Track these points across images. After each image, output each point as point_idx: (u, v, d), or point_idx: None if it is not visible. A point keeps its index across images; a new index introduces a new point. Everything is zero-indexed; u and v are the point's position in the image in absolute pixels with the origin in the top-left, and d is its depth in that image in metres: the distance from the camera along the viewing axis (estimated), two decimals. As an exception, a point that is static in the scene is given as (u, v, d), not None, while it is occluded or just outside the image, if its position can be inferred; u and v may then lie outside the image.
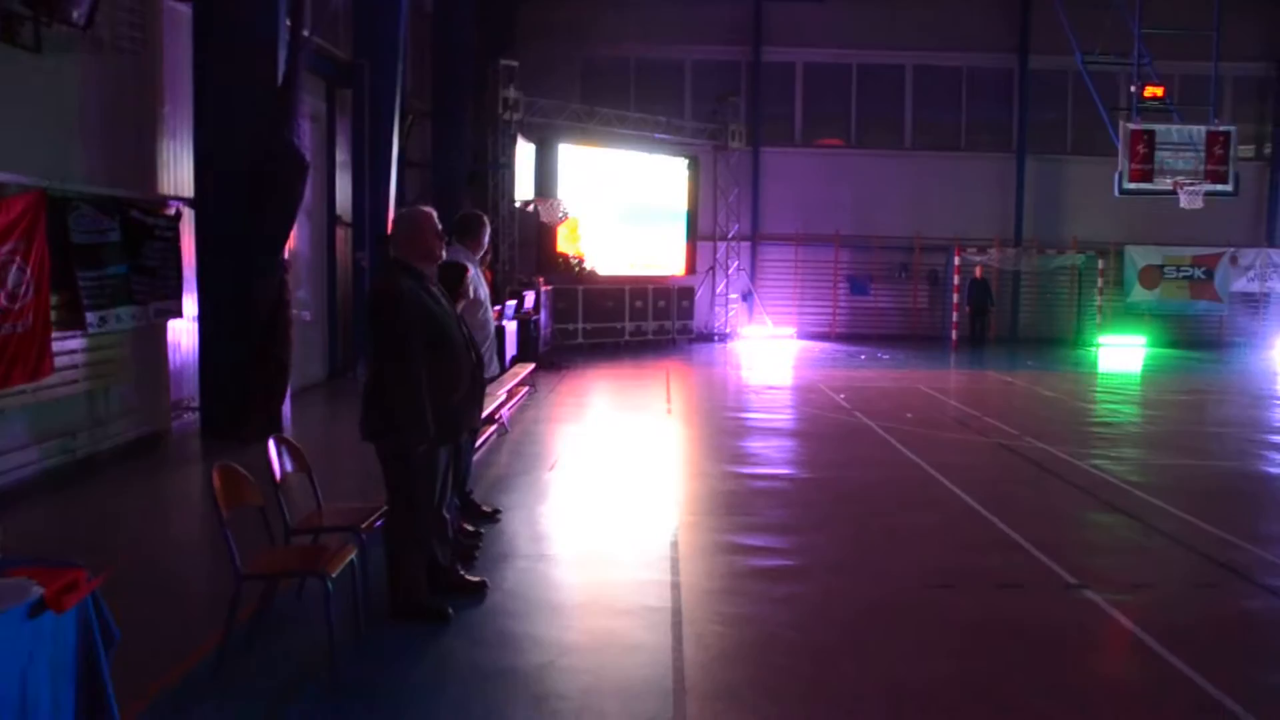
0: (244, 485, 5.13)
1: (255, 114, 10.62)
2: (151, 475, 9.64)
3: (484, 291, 7.54)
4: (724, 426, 12.98)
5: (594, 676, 5.01)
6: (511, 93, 20.57)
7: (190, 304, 11.04)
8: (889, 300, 26.65)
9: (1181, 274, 26.09)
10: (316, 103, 15.74)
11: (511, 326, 15.63)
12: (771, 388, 17.28)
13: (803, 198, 25.90)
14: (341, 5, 16.12)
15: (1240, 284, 25.97)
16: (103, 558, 6.72)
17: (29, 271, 8.29)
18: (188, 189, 11.15)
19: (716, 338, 25.59)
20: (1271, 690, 5.12)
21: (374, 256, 15.73)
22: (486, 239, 7.78)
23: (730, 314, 26.12)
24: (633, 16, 24.70)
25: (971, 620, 5.95)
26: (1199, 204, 18.43)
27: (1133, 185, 18.28)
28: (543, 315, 19.01)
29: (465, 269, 6.70)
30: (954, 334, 25.34)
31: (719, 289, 26.00)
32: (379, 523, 5.81)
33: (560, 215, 20.91)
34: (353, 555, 5.20)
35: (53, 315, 8.72)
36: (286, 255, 11.25)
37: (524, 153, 21.04)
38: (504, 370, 12.20)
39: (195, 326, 11.13)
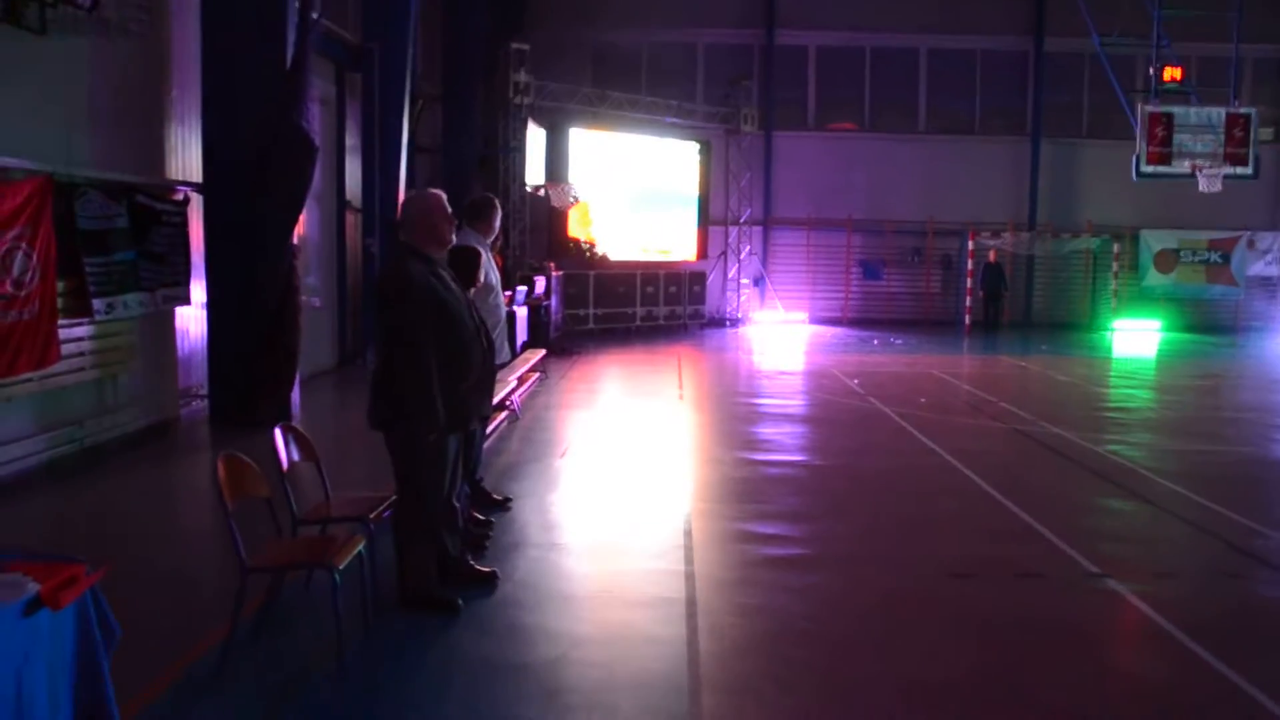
0: (250, 475, 5.03)
1: (264, 98, 10.53)
2: (159, 464, 9.56)
3: (495, 276, 7.42)
4: (736, 412, 12.86)
5: (607, 670, 4.90)
6: (522, 76, 20.41)
7: (199, 290, 10.94)
8: (901, 285, 26.48)
9: (1197, 258, 25.87)
10: (326, 86, 15.64)
11: (522, 312, 15.53)
12: (784, 373, 17.16)
13: (815, 182, 25.72)
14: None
15: (1257, 268, 25.75)
16: (108, 549, 6.69)
17: (35, 258, 8.19)
18: (196, 174, 11.04)
19: (728, 323, 25.46)
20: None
21: (384, 242, 15.62)
22: (498, 223, 7.66)
23: (742, 299, 25.98)
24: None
25: (991, 611, 5.84)
26: (1218, 187, 18.18)
27: (1150, 168, 18.03)
28: (554, 301, 18.89)
29: (478, 253, 6.58)
30: (967, 319, 25.16)
31: (731, 274, 25.85)
32: (388, 513, 5.70)
33: (571, 200, 20.78)
34: (361, 547, 5.10)
35: (59, 302, 8.62)
36: (295, 241, 11.15)
37: (535, 137, 20.89)
38: (515, 356, 12.09)
39: (204, 313, 11.04)
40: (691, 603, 5.79)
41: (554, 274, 19.18)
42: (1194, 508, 8.26)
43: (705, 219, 24.43)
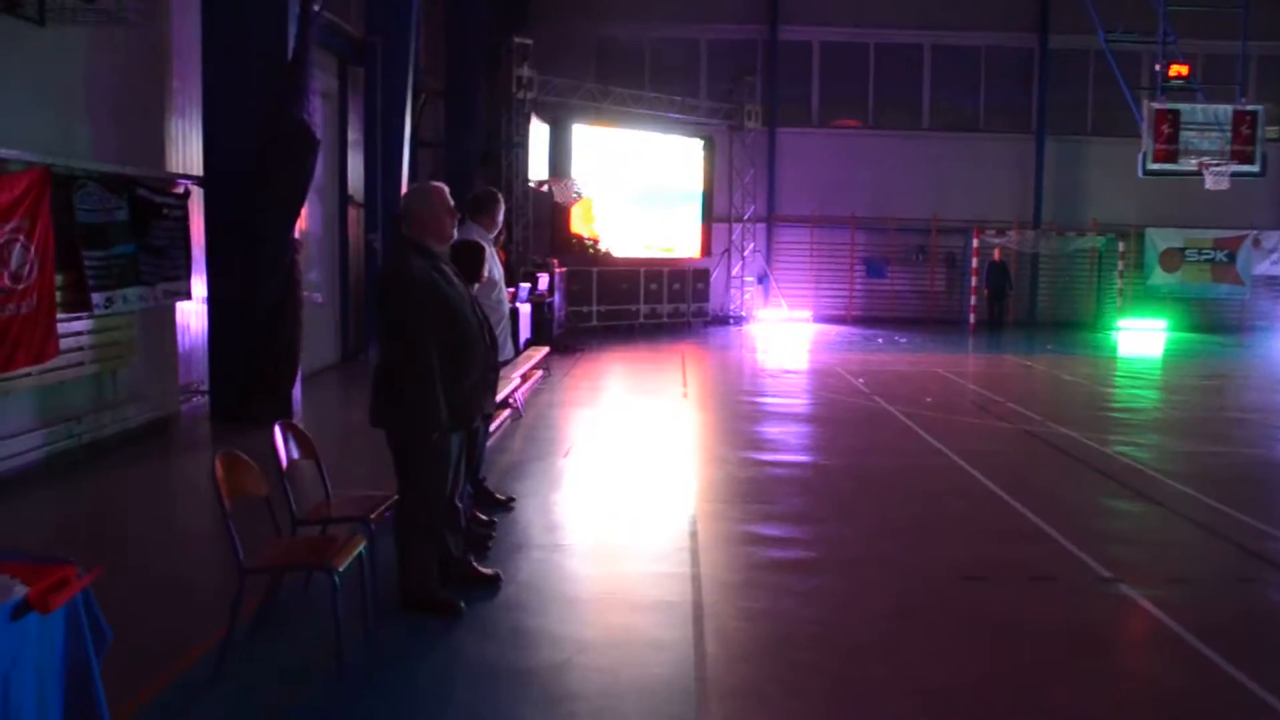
0: (248, 475, 4.92)
1: (265, 91, 10.43)
2: (159, 461, 9.47)
3: (498, 272, 7.31)
4: (741, 411, 12.76)
5: (612, 675, 4.80)
6: (525, 71, 20.31)
7: (199, 285, 10.84)
8: (906, 283, 26.36)
9: (1203, 257, 25.74)
10: (328, 80, 15.53)
11: (526, 309, 15.43)
12: (788, 371, 17.05)
13: (819, 179, 25.59)
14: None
15: (1263, 267, 25.63)
16: (105, 547, 6.61)
17: (33, 251, 8.08)
18: (197, 167, 10.94)
19: (732, 320, 25.35)
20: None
21: (386, 237, 15.52)
22: (501, 218, 7.55)
23: (745, 296, 25.87)
24: (647, -5, 24.41)
25: (1003, 615, 5.73)
26: (1225, 185, 18.07)
27: (1157, 166, 17.91)
28: (557, 297, 18.79)
29: (482, 248, 6.48)
30: (971, 317, 25.05)
31: (734, 271, 25.75)
32: (389, 513, 5.60)
33: (574, 195, 20.67)
34: (361, 547, 5.00)
35: (58, 296, 8.50)
36: (297, 235, 11.05)
37: (538, 132, 20.78)
38: (518, 353, 11.99)
39: (204, 308, 10.94)
40: (697, 606, 5.69)
41: (557, 270, 19.08)
42: (1204, 510, 8.16)
43: (709, 216, 24.30)
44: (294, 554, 5.02)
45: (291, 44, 10.64)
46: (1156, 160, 17.83)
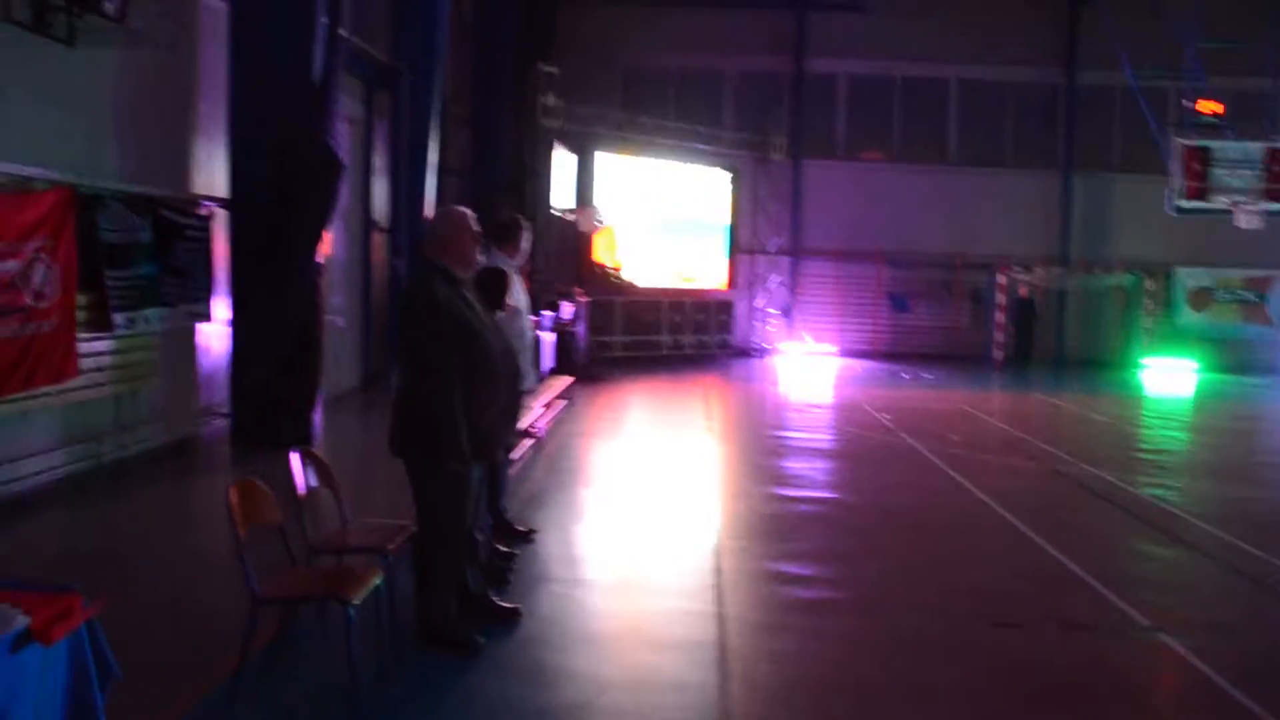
0: (264, 502, 4.79)
1: (291, 114, 10.37)
2: (177, 483, 9.36)
3: (523, 300, 7.19)
4: (765, 445, 12.57)
5: (634, 718, 4.63)
6: (551, 100, 20.28)
7: (221, 307, 10.77)
8: (931, 318, 26.11)
9: (1233, 296, 25.43)
10: (354, 105, 15.51)
11: (549, 337, 15.32)
12: (813, 406, 16.87)
13: (844, 212, 25.44)
14: (382, 6, 15.90)
15: (1294, 308, 25.27)
16: (118, 571, 6.47)
17: (55, 270, 8.02)
18: (221, 189, 10.89)
19: (755, 353, 25.17)
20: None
21: (410, 263, 15.46)
22: (526, 245, 7.43)
23: (769, 329, 25.69)
24: (674, 25, 24.40)
25: (1039, 664, 5.52)
26: (1257, 224, 17.84)
27: (1188, 204, 17.70)
28: (580, 326, 18.68)
29: (507, 276, 6.36)
30: (998, 354, 24.81)
31: (758, 303, 25.59)
32: (407, 543, 5.45)
33: (597, 224, 20.59)
34: (377, 579, 4.84)
35: (79, 316, 8.44)
36: (321, 259, 10.97)
37: (562, 161, 20.74)
38: (541, 382, 11.87)
39: (226, 330, 10.85)
40: (722, 646, 5.51)
41: (581, 300, 18.98)
42: (1241, 555, 7.93)
43: (734, 247, 24.17)
44: (308, 585, 4.87)
45: (318, 69, 10.59)
46: (1188, 198, 17.62)
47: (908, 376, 21.36)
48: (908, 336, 25.93)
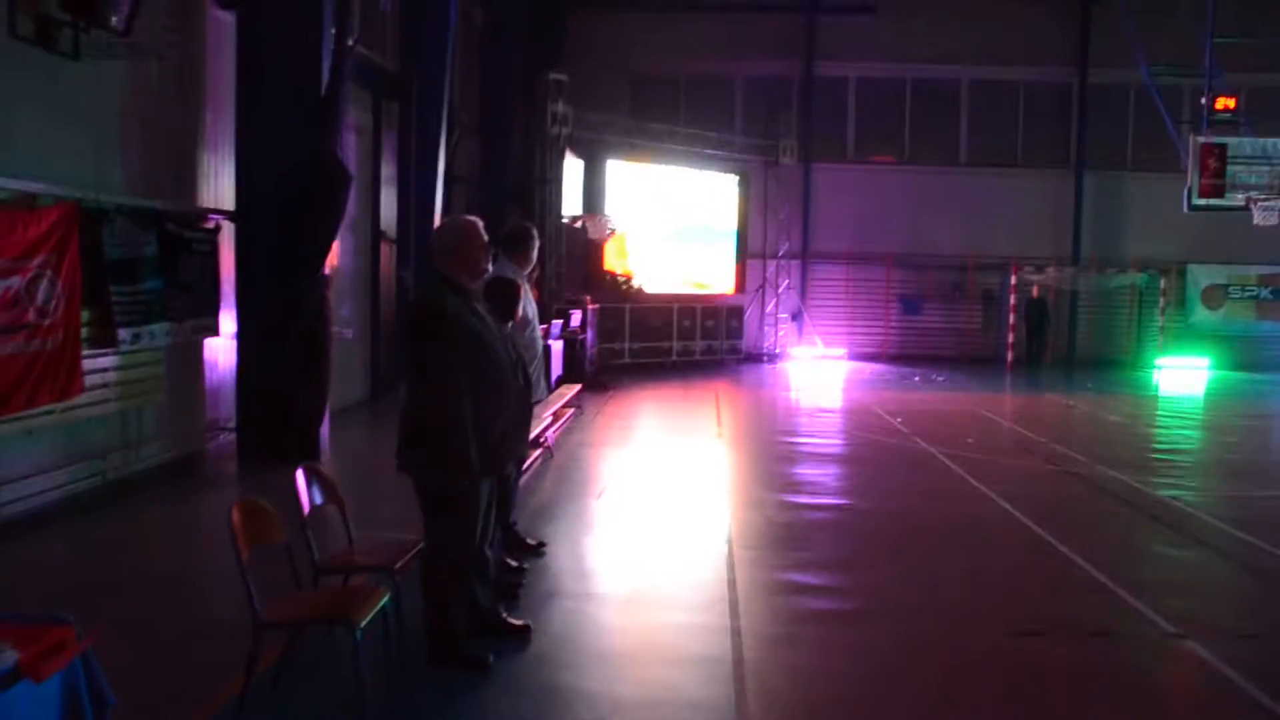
0: (268, 522, 4.69)
1: (298, 125, 10.30)
2: (184, 500, 9.26)
3: (532, 309, 7.09)
4: (777, 451, 12.44)
5: (650, 739, 4.52)
6: (560, 107, 20.19)
7: (228, 321, 10.70)
8: (942, 320, 25.96)
9: (1247, 294, 25.23)
10: (362, 115, 15.46)
11: (558, 346, 15.22)
12: (825, 410, 16.73)
13: (854, 215, 25.32)
14: (389, 15, 15.84)
15: (1310, 304, 25.05)
16: (121, 591, 6.40)
17: (60, 286, 7.96)
18: (228, 202, 10.83)
19: (765, 358, 25.04)
20: None
21: (419, 273, 15.37)
22: (535, 254, 7.33)
23: (780, 334, 25.57)
24: (682, 31, 24.28)
25: (1065, 674, 5.38)
26: (1275, 220, 17.62)
27: (1203, 201, 17.50)
28: (589, 334, 18.58)
29: (518, 286, 6.25)
30: (1009, 355, 24.64)
31: (768, 308, 25.47)
32: (416, 561, 5.34)
33: (608, 231, 20.49)
34: (384, 600, 4.74)
35: (84, 332, 8.39)
36: (328, 271, 10.90)
37: (572, 168, 20.65)
38: (550, 391, 11.77)
39: (233, 344, 10.78)
40: (738, 662, 5.39)
41: (590, 307, 18.88)
42: (1264, 557, 7.82)
43: (743, 252, 24.04)
44: (313, 608, 4.75)
45: (325, 78, 10.53)
46: (1203, 195, 17.42)
47: (919, 379, 21.19)
48: (919, 339, 25.78)
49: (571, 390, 13.05)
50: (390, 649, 4.96)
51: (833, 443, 13.43)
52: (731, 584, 6.82)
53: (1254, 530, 8.50)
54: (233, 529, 4.41)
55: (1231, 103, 17.92)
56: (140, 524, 8.37)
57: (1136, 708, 5.08)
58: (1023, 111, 25.82)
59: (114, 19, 8.41)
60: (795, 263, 25.64)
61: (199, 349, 10.51)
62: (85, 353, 8.36)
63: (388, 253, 16.51)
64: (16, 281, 7.52)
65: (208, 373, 10.74)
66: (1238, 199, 17.44)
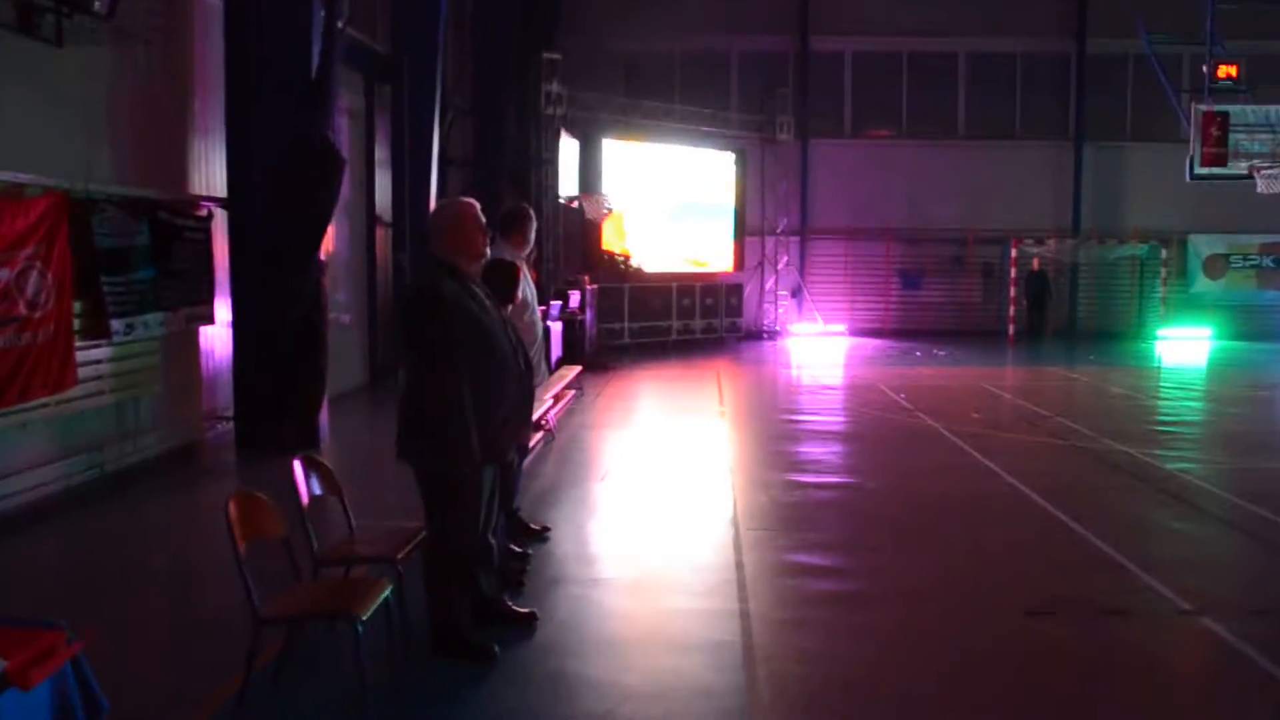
0: (266, 515, 4.59)
1: (289, 109, 10.15)
2: (181, 492, 9.13)
3: (531, 292, 6.96)
4: (781, 430, 12.33)
5: (660, 729, 4.43)
6: (554, 87, 20.02)
7: (223, 309, 10.58)
8: (943, 294, 25.85)
9: (1248, 263, 25.11)
10: (354, 98, 15.30)
11: (557, 327, 15.11)
12: (827, 387, 16.62)
13: (853, 190, 25.15)
14: (379, -3, 15.68)
15: (1312, 273, 24.94)
16: (119, 585, 6.30)
17: (50, 278, 7.84)
18: (220, 188, 10.69)
19: (766, 335, 24.93)
20: None
21: (415, 257, 15.24)
22: (533, 235, 7.20)
23: (779, 311, 25.44)
24: (676, 7, 23.99)
25: (1080, 655, 5.28)
26: (1278, 188, 17.48)
27: (1205, 170, 17.35)
28: (588, 315, 18.45)
29: (517, 268, 6.13)
30: (1010, 328, 24.54)
31: (768, 285, 25.34)
32: (418, 549, 5.23)
33: (605, 211, 20.34)
34: (386, 591, 4.63)
35: (76, 323, 8.27)
36: (323, 257, 10.76)
37: (568, 148, 20.49)
38: (550, 373, 11.65)
39: (229, 333, 10.66)
40: (748, 647, 5.29)
41: (589, 287, 18.75)
42: (1275, 530, 7.75)
43: (741, 230, 23.90)
44: (313, 602, 4.64)
45: (316, 61, 10.37)
46: (1205, 164, 17.26)
47: (920, 354, 21.08)
48: (919, 313, 25.67)
49: (572, 372, 12.93)
50: (393, 641, 4.87)
51: (836, 420, 13.32)
52: (739, 566, 6.72)
53: (1265, 503, 8.41)
54: (230, 523, 4.30)
55: (1233, 70, 17.72)
56: (138, 516, 8.26)
57: (1152, 688, 4.99)
58: (1021, 83, 25.64)
59: (97, 3, 8.25)
60: (794, 239, 25.49)
61: (194, 338, 10.39)
62: (78, 344, 8.24)
63: (383, 237, 16.38)
64: (5, 274, 7.40)
65: (204, 361, 10.62)
66: (1240, 167, 17.28)
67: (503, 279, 5.97)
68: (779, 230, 25.12)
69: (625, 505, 8.57)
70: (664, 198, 22.11)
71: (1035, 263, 24.19)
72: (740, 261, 23.95)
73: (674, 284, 21.97)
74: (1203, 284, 25.15)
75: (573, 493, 8.92)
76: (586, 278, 19.32)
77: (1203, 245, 25.02)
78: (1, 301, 7.35)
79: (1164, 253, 24.77)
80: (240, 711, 4.37)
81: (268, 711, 4.54)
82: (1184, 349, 22.64)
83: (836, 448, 11.32)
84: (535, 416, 8.26)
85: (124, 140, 9.34)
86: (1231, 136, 17.13)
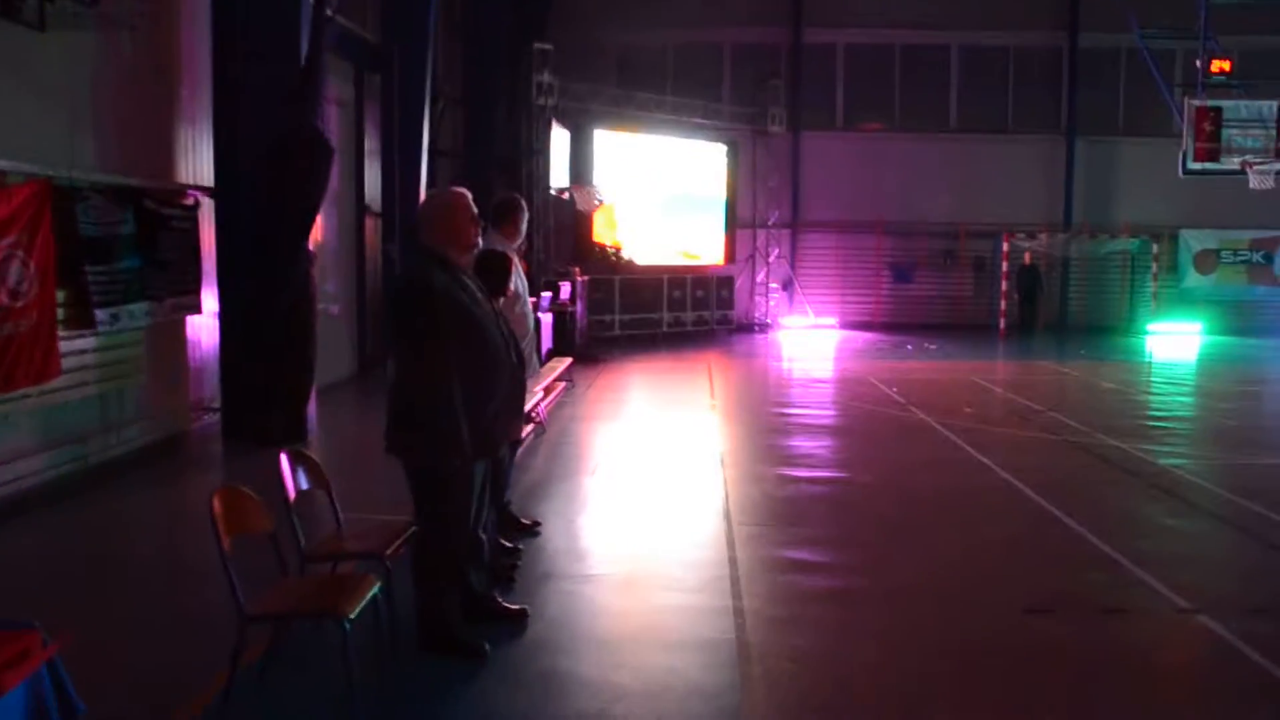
0: (251, 510, 4.49)
1: (278, 98, 10.02)
2: (166, 484, 9.01)
3: (522, 284, 6.87)
4: (773, 424, 12.26)
5: (653, 729, 4.34)
6: (546, 77, 19.88)
7: (210, 299, 10.45)
8: (934, 288, 25.83)
9: (1239, 258, 25.13)
10: (344, 87, 15.17)
11: (547, 319, 15.02)
12: (819, 381, 16.57)
13: (844, 183, 25.09)
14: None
15: (1302, 268, 24.95)
16: (103, 581, 6.20)
17: (32, 267, 7.70)
18: (207, 177, 10.55)
19: (757, 328, 24.85)
20: None
21: (404, 248, 15.13)
22: (524, 226, 7.10)
23: (771, 303, 25.37)
24: (669, -2, 23.93)
25: (1079, 655, 5.22)
26: (1270, 184, 17.43)
27: (1198, 165, 17.30)
28: (579, 306, 18.36)
29: (509, 259, 6.03)
30: (1002, 322, 24.51)
31: (759, 278, 25.26)
32: (408, 544, 5.14)
33: (596, 203, 20.24)
34: (375, 588, 4.54)
35: (60, 313, 8.14)
36: (312, 247, 10.64)
37: (559, 139, 20.37)
38: (541, 366, 11.56)
39: (215, 323, 10.54)
40: (742, 645, 5.21)
41: (579, 279, 18.66)
42: (1269, 527, 7.69)
43: (733, 222, 23.83)
44: (300, 600, 4.54)
45: (304, 50, 10.24)
46: (1197, 159, 17.20)
47: (911, 348, 21.02)
48: (911, 307, 25.62)
49: (562, 364, 12.85)
50: (382, 638, 4.78)
51: (828, 414, 13.26)
52: (732, 562, 6.65)
53: (1257, 498, 8.37)
54: (214, 518, 4.20)
55: (1226, 65, 17.65)
56: (123, 509, 8.14)
57: (1151, 687, 4.93)
58: (1013, 77, 25.60)
59: (81, -13, 8.12)
60: (785, 232, 25.43)
61: (181, 328, 10.26)
62: (62, 334, 8.11)
63: (373, 227, 16.26)
64: (-12, 262, 7.27)
65: (191, 352, 10.48)
66: (1233, 163, 17.23)
67: (494, 270, 5.89)
68: (770, 222, 25.05)
69: (616, 499, 8.48)
70: (655, 189, 22.03)
71: (1027, 257, 24.16)
72: (731, 254, 23.88)
73: (665, 276, 21.89)
74: (1194, 279, 25.16)
75: (563, 486, 8.83)
76: (577, 269, 19.24)
77: (1194, 240, 25.03)
78: (-17, 291, 7.23)
79: (1155, 247, 24.75)
80: (226, 709, 4.28)
81: (254, 709, 4.45)
82: (1175, 344, 22.63)
83: (828, 441, 11.25)
84: (526, 409, 8.17)
85: (108, 127, 9.19)
86: (1224, 131, 17.08)
